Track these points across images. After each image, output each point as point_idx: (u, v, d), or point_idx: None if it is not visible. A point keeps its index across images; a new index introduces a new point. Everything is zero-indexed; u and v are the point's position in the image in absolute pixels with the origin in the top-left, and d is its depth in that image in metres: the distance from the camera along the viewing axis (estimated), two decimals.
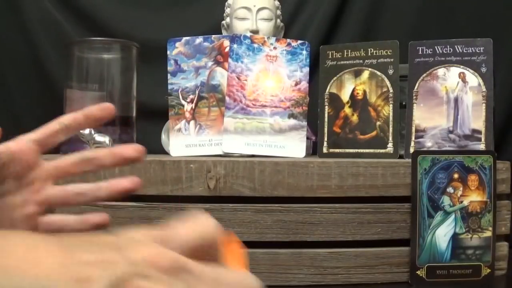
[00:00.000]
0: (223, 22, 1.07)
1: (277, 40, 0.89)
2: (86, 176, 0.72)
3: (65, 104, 0.92)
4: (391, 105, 0.85)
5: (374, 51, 0.87)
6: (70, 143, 0.88)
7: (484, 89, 0.81)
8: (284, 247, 0.73)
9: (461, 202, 0.73)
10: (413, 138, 0.83)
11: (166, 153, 0.92)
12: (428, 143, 0.82)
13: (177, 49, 0.89)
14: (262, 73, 0.88)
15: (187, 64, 0.89)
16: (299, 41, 0.89)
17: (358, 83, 0.87)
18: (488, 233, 0.73)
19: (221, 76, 0.88)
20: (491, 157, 0.73)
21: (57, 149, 0.91)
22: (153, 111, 1.05)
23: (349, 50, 0.88)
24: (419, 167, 0.72)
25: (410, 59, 0.85)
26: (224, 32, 1.06)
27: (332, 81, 0.89)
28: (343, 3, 1.15)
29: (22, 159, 0.36)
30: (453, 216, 0.72)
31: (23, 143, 0.36)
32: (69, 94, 0.92)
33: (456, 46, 0.83)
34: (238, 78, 0.87)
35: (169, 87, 0.88)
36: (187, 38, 0.89)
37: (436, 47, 0.84)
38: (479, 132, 0.81)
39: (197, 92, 0.88)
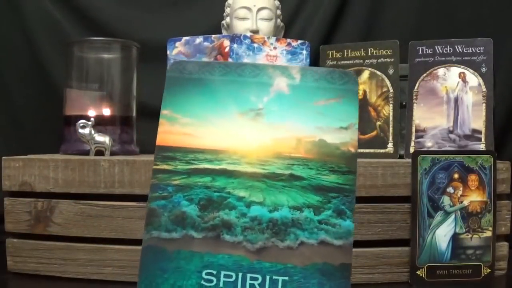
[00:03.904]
0: (223, 22, 1.06)
1: (277, 40, 0.89)
2: (86, 174, 0.72)
3: (65, 104, 0.92)
4: (391, 105, 0.85)
5: (374, 51, 0.87)
6: (71, 143, 0.88)
7: (484, 89, 0.81)
8: None
9: (461, 202, 0.73)
10: (413, 138, 0.83)
11: None
12: (428, 143, 0.82)
13: (177, 49, 0.89)
14: None
15: None
16: (299, 41, 0.89)
17: (358, 83, 0.87)
18: (488, 233, 0.73)
19: None
20: (491, 157, 0.73)
21: (57, 149, 0.91)
22: (153, 111, 1.05)
23: (349, 50, 0.88)
24: (419, 167, 0.72)
25: (410, 59, 0.85)
26: (224, 32, 1.06)
27: None
28: (343, 3, 1.15)
29: None
30: (453, 216, 0.72)
31: None
32: (69, 94, 0.92)
33: (456, 46, 0.83)
34: None
35: None
36: (187, 38, 0.89)
37: (436, 47, 0.84)
38: (479, 132, 0.81)
39: None
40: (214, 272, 0.27)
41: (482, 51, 0.82)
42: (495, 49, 0.82)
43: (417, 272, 0.72)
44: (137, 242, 0.72)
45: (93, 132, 0.83)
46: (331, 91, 0.31)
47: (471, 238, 0.72)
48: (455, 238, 0.72)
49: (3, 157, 0.77)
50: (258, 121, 0.30)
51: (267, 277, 0.26)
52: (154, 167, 0.34)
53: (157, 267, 0.27)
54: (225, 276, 0.26)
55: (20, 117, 1.12)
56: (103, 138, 0.84)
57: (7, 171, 0.76)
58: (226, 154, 0.29)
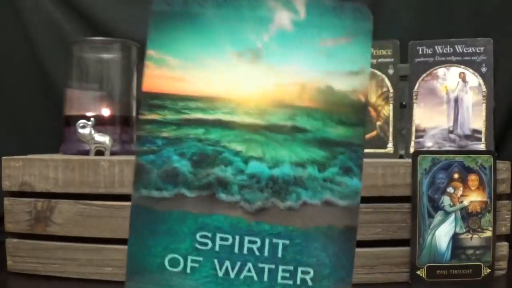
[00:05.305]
0: None
1: None
2: (86, 174, 0.72)
3: (65, 104, 0.92)
4: (391, 105, 0.85)
5: (374, 51, 0.87)
6: (71, 143, 0.88)
7: (484, 89, 0.81)
8: None
9: (461, 202, 0.73)
10: (413, 138, 0.83)
11: None
12: (428, 143, 0.82)
13: None
14: None
15: None
16: None
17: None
18: (488, 233, 0.73)
19: None
20: (491, 157, 0.73)
21: (57, 149, 0.91)
22: None
23: None
24: (419, 167, 0.72)
25: (410, 59, 0.85)
26: None
27: None
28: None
29: None
30: (453, 216, 0.72)
31: None
32: (69, 94, 0.92)
33: (456, 46, 0.83)
34: None
35: None
36: None
37: (436, 47, 0.84)
38: (479, 132, 0.81)
39: None
40: (209, 235, 0.24)
41: (482, 51, 0.82)
42: (495, 49, 0.82)
43: (417, 272, 0.72)
44: None
45: (93, 132, 0.83)
46: (340, 29, 0.27)
47: (471, 238, 0.72)
48: (455, 238, 0.72)
49: (3, 157, 0.77)
50: (256, 63, 0.26)
51: (267, 240, 0.24)
52: (141, 117, 0.31)
53: (147, 229, 0.25)
54: (221, 239, 0.24)
55: (20, 117, 1.12)
56: (103, 138, 0.84)
57: (7, 171, 0.76)
58: (221, 102, 0.26)
